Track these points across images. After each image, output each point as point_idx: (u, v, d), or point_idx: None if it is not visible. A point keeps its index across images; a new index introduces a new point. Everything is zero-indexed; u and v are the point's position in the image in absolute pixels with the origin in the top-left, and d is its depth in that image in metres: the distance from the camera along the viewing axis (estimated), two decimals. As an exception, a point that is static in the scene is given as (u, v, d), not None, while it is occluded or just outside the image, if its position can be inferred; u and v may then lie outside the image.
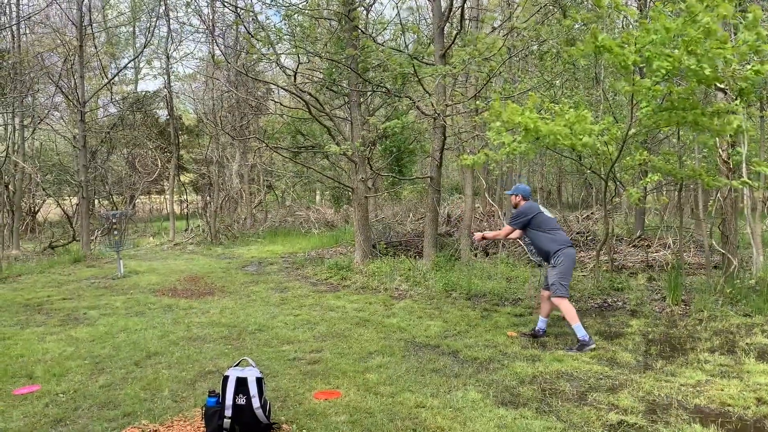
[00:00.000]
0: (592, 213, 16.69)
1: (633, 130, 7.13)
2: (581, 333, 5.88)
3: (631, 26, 10.55)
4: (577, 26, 10.70)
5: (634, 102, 6.80)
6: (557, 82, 12.11)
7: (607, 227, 9.12)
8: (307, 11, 12.37)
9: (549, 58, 11.83)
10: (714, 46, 5.18)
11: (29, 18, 18.61)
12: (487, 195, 14.51)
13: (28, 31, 19.93)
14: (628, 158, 7.92)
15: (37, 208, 21.84)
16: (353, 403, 4.47)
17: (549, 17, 11.35)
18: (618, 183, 9.53)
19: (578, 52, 5.94)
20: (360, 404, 4.46)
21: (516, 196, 6.48)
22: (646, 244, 12.17)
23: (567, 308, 5.98)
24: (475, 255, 11.42)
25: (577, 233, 13.55)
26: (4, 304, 8.78)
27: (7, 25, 17.53)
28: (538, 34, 10.84)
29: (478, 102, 10.12)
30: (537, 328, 6.41)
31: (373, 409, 4.35)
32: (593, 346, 5.82)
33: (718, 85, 6.79)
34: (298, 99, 12.66)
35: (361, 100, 13.15)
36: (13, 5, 17.95)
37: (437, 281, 9.25)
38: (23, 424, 4.25)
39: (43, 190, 20.25)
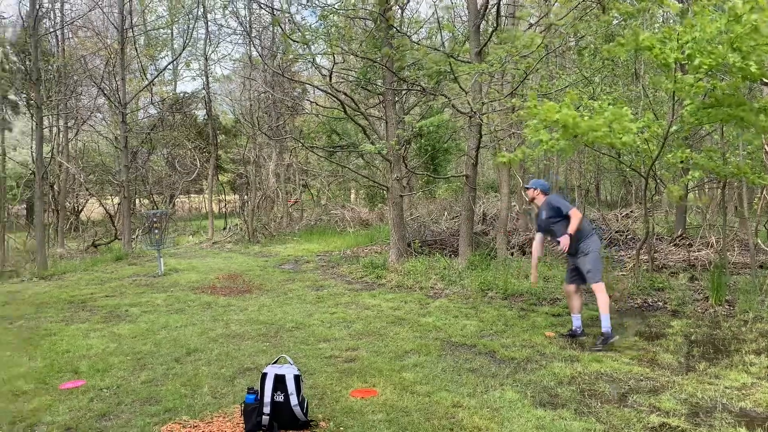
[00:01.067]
0: (631, 211, 16.40)
1: (674, 127, 6.97)
2: (606, 324, 5.90)
3: (672, 20, 10.32)
4: (615, 21, 10.50)
5: (676, 99, 6.65)
6: (596, 78, 11.91)
7: (647, 226, 8.94)
8: (342, 11, 12.42)
9: (587, 54, 11.64)
10: (761, 42, 5.03)
11: (72, 22, 19.11)
12: (523, 193, 14.37)
13: (71, 35, 20.48)
14: (669, 155, 7.75)
15: (80, 208, 22.44)
16: (390, 402, 4.48)
17: (587, 12, 11.15)
18: (658, 180, 9.33)
19: (619, 50, 5.83)
20: (396, 403, 4.46)
21: (535, 189, 6.38)
22: (687, 242, 11.88)
23: (604, 296, 6.00)
24: (512, 254, 11.32)
25: (617, 232, 13.32)
26: (50, 300, 9.05)
27: (52, 30, 18.04)
28: (576, 30, 10.67)
29: (514, 100, 10.01)
30: (574, 328, 6.31)
31: (409, 408, 4.36)
32: (616, 338, 5.90)
33: (765, 80, 6.59)
34: (334, 98, 12.73)
35: (396, 98, 13.15)
36: (57, 10, 18.48)
37: (473, 280, 9.19)
38: (69, 417, 4.38)
39: (87, 189, 20.80)
